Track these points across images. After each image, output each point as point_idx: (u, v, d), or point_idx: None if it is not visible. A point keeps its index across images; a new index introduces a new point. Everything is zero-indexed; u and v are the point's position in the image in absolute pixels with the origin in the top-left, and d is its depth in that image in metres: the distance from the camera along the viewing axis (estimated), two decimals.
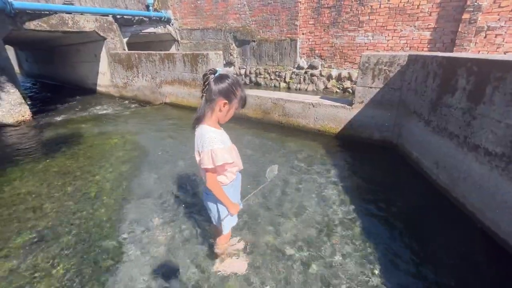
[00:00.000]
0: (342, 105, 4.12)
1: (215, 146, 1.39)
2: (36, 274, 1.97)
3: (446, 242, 2.19)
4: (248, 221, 2.45)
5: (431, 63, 2.92)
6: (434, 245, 2.15)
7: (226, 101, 1.39)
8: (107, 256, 2.13)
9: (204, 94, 1.42)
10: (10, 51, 15.89)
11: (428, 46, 6.61)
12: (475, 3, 5.67)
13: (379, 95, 3.74)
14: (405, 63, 3.40)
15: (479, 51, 6.02)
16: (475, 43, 6.01)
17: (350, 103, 4.07)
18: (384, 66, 3.55)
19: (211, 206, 1.70)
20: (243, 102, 1.46)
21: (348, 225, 2.39)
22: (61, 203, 2.83)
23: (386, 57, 3.53)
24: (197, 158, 1.50)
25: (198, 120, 1.48)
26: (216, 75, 1.38)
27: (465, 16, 5.85)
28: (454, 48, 6.13)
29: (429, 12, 6.37)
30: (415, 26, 6.64)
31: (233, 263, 2.01)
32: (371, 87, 3.76)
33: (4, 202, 2.88)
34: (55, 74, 12.00)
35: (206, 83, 1.39)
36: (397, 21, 6.82)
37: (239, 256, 2.08)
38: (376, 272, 1.92)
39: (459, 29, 5.99)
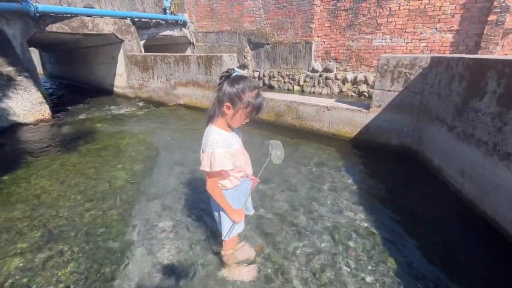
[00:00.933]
0: (359, 108, 3.98)
1: (216, 150, 1.33)
2: (43, 273, 1.96)
3: (473, 258, 2.02)
4: (258, 227, 2.37)
5: (456, 65, 2.75)
6: (459, 261, 1.98)
7: (230, 105, 1.32)
8: (114, 258, 2.09)
9: (218, 93, 1.38)
10: (35, 53, 16.70)
11: (450, 49, 6.34)
12: (503, 4, 5.38)
13: (398, 99, 3.57)
14: (427, 65, 3.23)
15: (506, 54, 5.69)
16: (502, 46, 5.70)
17: (367, 107, 3.92)
18: (405, 68, 3.39)
19: (215, 212, 1.65)
20: (254, 108, 1.34)
21: (363, 234, 2.25)
22: (73, 201, 2.85)
23: (406, 59, 3.37)
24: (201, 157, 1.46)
25: (209, 119, 1.45)
26: (232, 76, 1.33)
27: (492, 17, 5.56)
28: (479, 51, 5.83)
29: (452, 14, 6.11)
30: (436, 29, 6.38)
31: (241, 270, 1.93)
32: (389, 90, 3.60)
33: (19, 198, 2.94)
34: (75, 75, 12.46)
35: (220, 82, 1.35)
36: (417, 24, 6.58)
37: (248, 263, 1.99)
38: (394, 286, 1.78)
39: (485, 31, 5.69)
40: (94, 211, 2.68)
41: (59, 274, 1.94)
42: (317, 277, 1.87)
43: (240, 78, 1.31)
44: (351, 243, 2.16)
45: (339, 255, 2.05)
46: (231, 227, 1.61)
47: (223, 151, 1.35)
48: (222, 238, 1.69)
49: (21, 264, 2.04)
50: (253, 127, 4.91)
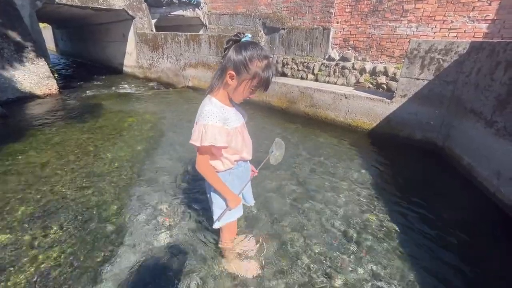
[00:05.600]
0: (380, 98, 3.64)
1: (209, 122, 1.13)
2: (31, 252, 1.80)
3: (508, 270, 1.74)
4: (262, 219, 2.14)
5: (503, 50, 2.38)
6: (492, 274, 1.71)
7: (234, 73, 1.10)
8: (106, 240, 1.92)
9: (222, 60, 1.16)
10: (48, 30, 16.64)
11: (483, 40, 5.80)
12: None
13: (427, 89, 3.22)
14: (465, 51, 2.86)
15: None
16: None
17: (390, 97, 3.58)
18: (438, 54, 3.02)
19: (208, 194, 1.46)
20: (261, 82, 1.12)
21: (380, 237, 2.00)
22: (69, 178, 2.69)
23: (441, 44, 3.00)
24: None
25: (209, 89, 1.23)
26: (242, 40, 1.12)
27: None
28: None
29: (488, 2, 5.55)
30: (469, 17, 5.84)
31: (241, 264, 1.73)
32: (417, 79, 3.25)
33: (15, 171, 2.79)
34: (86, 53, 12.32)
35: (227, 47, 1.13)
36: (448, 11, 6.04)
37: (250, 256, 1.78)
38: None
39: None
40: (90, 189, 2.51)
41: (46, 255, 1.78)
42: (326, 277, 1.64)
43: (250, 44, 1.09)
44: (365, 244, 1.91)
45: (351, 255, 1.82)
46: (222, 212, 1.38)
47: (218, 125, 1.15)
48: (214, 226, 1.45)
49: (8, 240, 1.89)
50: (268, 116, 4.64)
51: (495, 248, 1.95)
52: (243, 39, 1.12)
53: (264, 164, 1.53)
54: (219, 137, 1.15)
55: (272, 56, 1.20)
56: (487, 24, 5.69)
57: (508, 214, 2.18)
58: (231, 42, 1.12)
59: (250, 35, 1.15)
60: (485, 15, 5.67)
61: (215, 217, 1.43)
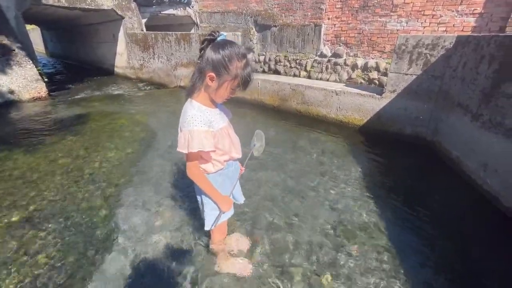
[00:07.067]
0: (371, 94, 3.66)
1: (194, 127, 1.12)
2: (17, 260, 1.78)
3: (497, 261, 1.78)
4: (253, 217, 2.15)
5: (487, 44, 2.41)
6: (481, 265, 1.75)
7: (214, 75, 1.07)
8: (96, 244, 1.91)
9: (198, 62, 1.12)
10: (37, 32, 16.35)
11: (471, 34, 5.86)
12: None
13: (415, 84, 3.25)
14: (451, 45, 2.88)
15: None
16: None
17: (380, 92, 3.60)
18: (425, 49, 3.05)
19: (197, 196, 1.44)
20: (242, 82, 1.10)
21: (370, 232, 2.02)
22: (59, 182, 2.66)
23: (428, 38, 3.02)
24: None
25: (189, 92, 1.20)
26: (217, 40, 1.07)
27: None
28: None
29: None
30: (457, 11, 5.89)
31: (234, 264, 1.73)
32: (406, 74, 3.27)
33: (3, 176, 2.75)
34: (76, 54, 12.15)
35: (202, 47, 1.09)
36: (437, 6, 6.08)
37: (241, 255, 1.79)
38: None
39: None
40: (80, 193, 2.49)
41: (34, 261, 1.76)
42: (318, 275, 1.66)
43: (227, 43, 1.06)
44: (356, 240, 1.93)
45: (343, 252, 1.83)
46: (217, 217, 1.38)
47: (203, 129, 1.13)
48: (206, 228, 1.45)
49: None
50: (260, 114, 4.64)
51: (484, 239, 1.98)
52: (218, 38, 1.08)
53: (249, 159, 1.53)
54: (206, 142, 1.14)
55: (249, 53, 1.17)
56: (475, 18, 5.74)
57: (495, 205, 2.22)
58: (206, 42, 1.08)
59: (225, 34, 1.12)
60: (473, 9, 5.72)
61: (206, 219, 1.42)
